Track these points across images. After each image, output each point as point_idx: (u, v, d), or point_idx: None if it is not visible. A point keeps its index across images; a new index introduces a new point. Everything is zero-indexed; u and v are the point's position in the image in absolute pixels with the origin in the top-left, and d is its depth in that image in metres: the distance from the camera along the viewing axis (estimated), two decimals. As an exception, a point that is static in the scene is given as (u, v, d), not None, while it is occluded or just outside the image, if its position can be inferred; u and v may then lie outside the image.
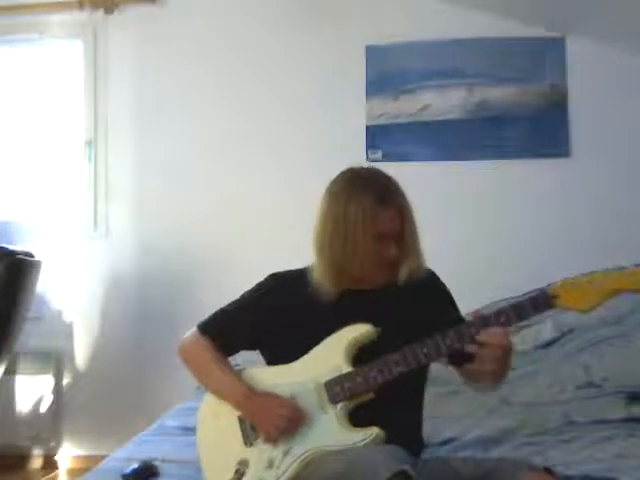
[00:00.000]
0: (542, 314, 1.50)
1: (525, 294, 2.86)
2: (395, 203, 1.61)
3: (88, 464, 2.77)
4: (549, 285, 1.48)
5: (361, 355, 1.56)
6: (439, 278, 1.74)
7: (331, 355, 1.57)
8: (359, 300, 1.63)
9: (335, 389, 1.54)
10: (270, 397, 1.59)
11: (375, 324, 1.56)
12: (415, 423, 1.69)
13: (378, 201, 1.58)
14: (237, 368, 1.71)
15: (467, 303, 1.78)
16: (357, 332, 1.56)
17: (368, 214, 1.57)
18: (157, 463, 1.96)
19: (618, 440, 2.07)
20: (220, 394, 1.67)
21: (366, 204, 1.58)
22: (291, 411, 1.54)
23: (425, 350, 1.49)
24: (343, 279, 1.62)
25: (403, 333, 1.53)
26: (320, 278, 1.63)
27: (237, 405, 1.63)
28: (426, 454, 1.71)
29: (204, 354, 1.70)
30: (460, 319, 1.66)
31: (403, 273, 1.61)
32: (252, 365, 1.72)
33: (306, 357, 1.60)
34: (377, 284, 1.64)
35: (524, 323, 1.63)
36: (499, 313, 1.46)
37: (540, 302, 1.45)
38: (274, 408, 1.55)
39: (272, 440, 1.55)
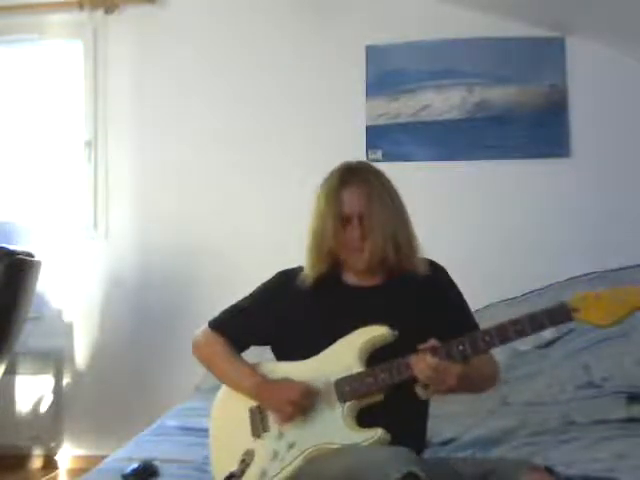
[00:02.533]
0: (559, 326, 1.48)
1: (525, 294, 2.93)
2: (354, 182, 1.63)
3: (88, 464, 2.77)
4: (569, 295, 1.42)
5: (375, 354, 1.56)
6: (442, 269, 1.74)
7: (344, 354, 1.58)
8: (368, 298, 1.64)
9: (344, 388, 1.55)
10: (284, 382, 1.61)
11: (388, 322, 1.56)
12: (421, 425, 1.69)
13: (339, 182, 1.64)
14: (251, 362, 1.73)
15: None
16: (373, 334, 1.56)
17: (328, 195, 1.63)
18: (157, 463, 1.97)
19: (618, 440, 2.07)
20: (235, 385, 1.70)
21: (329, 187, 1.65)
22: (303, 391, 1.57)
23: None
24: (324, 263, 1.65)
25: (418, 334, 1.51)
26: (305, 265, 1.67)
27: (251, 393, 1.65)
28: (426, 454, 1.70)
29: (217, 349, 1.73)
30: (469, 318, 1.68)
31: (366, 253, 1.62)
32: (263, 360, 1.74)
33: (321, 355, 1.61)
34: (379, 279, 1.66)
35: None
36: (515, 322, 1.44)
37: (558, 314, 1.42)
38: (287, 391, 1.58)
39: (285, 420, 1.57)
